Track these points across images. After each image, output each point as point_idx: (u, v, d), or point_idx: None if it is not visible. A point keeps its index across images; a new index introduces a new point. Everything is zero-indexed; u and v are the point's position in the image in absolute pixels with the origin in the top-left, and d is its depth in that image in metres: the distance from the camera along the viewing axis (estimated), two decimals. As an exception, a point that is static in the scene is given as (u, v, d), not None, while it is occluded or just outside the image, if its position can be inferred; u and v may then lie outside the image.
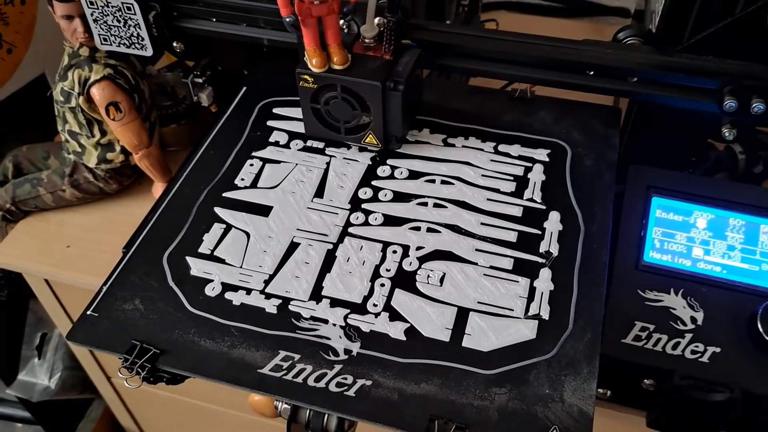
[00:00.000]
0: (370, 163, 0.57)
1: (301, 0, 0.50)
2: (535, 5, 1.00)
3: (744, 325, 0.50)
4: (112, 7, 0.59)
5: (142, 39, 0.62)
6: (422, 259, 0.50)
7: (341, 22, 0.55)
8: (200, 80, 0.66)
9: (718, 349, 0.49)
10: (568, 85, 0.57)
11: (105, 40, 0.62)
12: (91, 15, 0.61)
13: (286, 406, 0.46)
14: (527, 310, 0.47)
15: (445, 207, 0.54)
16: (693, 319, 0.51)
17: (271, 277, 0.50)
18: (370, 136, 0.56)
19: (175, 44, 0.64)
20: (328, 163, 0.57)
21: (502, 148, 0.58)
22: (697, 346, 0.49)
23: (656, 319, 0.51)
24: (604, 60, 0.54)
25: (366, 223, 0.53)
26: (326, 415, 0.45)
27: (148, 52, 0.63)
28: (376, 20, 0.54)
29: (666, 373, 0.49)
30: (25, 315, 0.99)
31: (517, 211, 0.53)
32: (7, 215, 0.74)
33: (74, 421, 1.12)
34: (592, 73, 0.55)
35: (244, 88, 0.64)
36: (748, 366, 0.49)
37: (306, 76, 0.54)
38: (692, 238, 0.54)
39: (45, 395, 1.03)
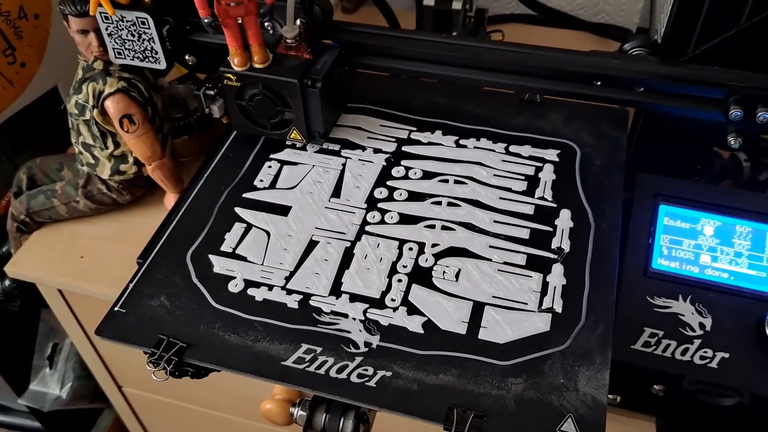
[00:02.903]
0: (385, 164, 0.59)
1: (218, 2, 0.52)
2: (539, 18, 1.01)
3: (752, 330, 0.51)
4: (127, 21, 0.60)
5: (156, 52, 0.63)
6: (438, 256, 0.52)
7: (266, 23, 0.58)
8: (212, 92, 0.67)
9: (726, 355, 0.50)
10: (576, 95, 0.57)
11: (119, 53, 0.63)
12: (106, 29, 0.62)
13: (302, 413, 0.47)
14: (541, 303, 0.48)
15: (459, 206, 0.55)
16: (701, 325, 0.51)
17: (292, 273, 0.51)
18: (294, 131, 0.58)
19: (187, 57, 0.65)
20: (344, 164, 0.59)
21: (513, 148, 0.59)
22: (705, 352, 0.50)
23: (665, 325, 0.51)
24: (611, 71, 0.55)
25: (382, 222, 0.54)
26: (341, 421, 0.46)
27: (162, 65, 0.64)
28: (297, 21, 0.56)
29: (675, 378, 0.50)
30: (36, 325, 1.00)
31: (529, 209, 0.55)
32: (21, 226, 0.75)
33: (85, 431, 1.12)
34: (599, 83, 0.56)
35: None
36: (757, 371, 0.49)
37: (229, 75, 0.57)
38: (699, 245, 0.55)
39: (56, 405, 1.03)
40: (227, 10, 0.52)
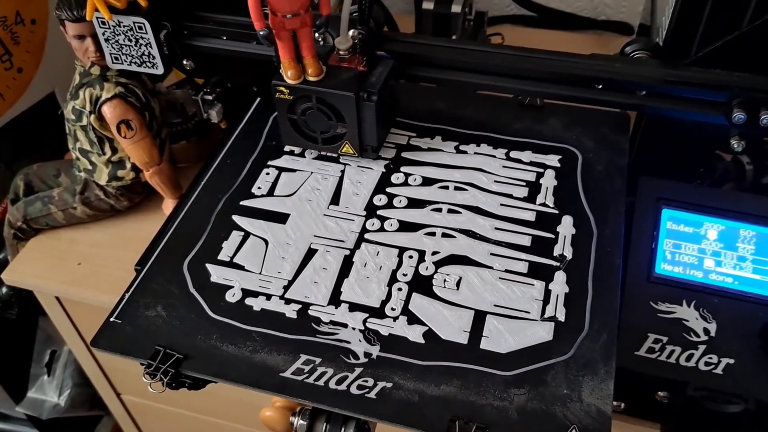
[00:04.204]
0: (384, 170, 0.58)
1: (274, 14, 0.50)
2: (539, 19, 1.01)
3: (757, 335, 0.50)
4: (124, 26, 0.60)
5: (153, 57, 0.62)
6: (438, 264, 0.51)
7: (317, 35, 0.56)
8: (210, 97, 0.67)
9: (731, 361, 0.49)
10: (577, 98, 0.57)
11: (116, 59, 0.63)
12: (103, 35, 0.61)
13: (302, 422, 0.46)
14: (543, 312, 0.48)
15: (460, 212, 0.54)
16: (706, 331, 0.51)
17: (290, 282, 0.50)
18: (347, 145, 0.57)
19: (185, 62, 0.65)
20: (342, 171, 0.58)
21: (513, 154, 0.59)
22: (710, 358, 0.50)
23: (669, 330, 0.51)
24: (613, 74, 0.55)
25: (382, 229, 0.54)
26: (342, 430, 0.45)
27: (159, 70, 0.63)
28: (351, 32, 0.55)
29: (680, 384, 0.49)
30: (34, 333, 0.99)
31: (531, 216, 0.54)
32: (18, 233, 0.75)
33: (83, 438, 1.12)
34: (600, 86, 0.56)
35: (258, 100, 0.66)
36: (762, 377, 0.49)
37: (281, 88, 0.55)
38: (703, 249, 0.55)
39: (54, 412, 1.03)
40: (283, 22, 0.51)
